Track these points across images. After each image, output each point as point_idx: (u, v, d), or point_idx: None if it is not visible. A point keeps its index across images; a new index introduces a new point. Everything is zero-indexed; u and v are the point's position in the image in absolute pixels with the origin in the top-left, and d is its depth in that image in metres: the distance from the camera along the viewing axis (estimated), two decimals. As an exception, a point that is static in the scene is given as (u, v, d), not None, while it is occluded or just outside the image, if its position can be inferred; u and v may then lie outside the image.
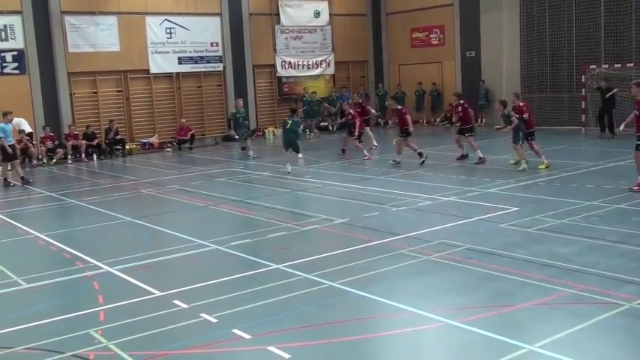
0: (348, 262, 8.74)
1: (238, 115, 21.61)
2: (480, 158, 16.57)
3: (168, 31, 25.23)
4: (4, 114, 17.65)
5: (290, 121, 17.51)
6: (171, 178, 17.55)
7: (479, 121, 27.01)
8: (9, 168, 17.92)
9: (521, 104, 16.04)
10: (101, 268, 9.07)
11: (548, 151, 16.29)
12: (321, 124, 28.44)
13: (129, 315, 7.11)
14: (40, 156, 22.01)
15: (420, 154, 17.05)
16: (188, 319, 6.91)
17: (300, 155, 17.07)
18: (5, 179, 17.44)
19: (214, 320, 6.82)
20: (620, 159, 15.72)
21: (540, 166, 15.09)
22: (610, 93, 20.59)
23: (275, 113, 28.15)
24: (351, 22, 30.33)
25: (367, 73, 31.14)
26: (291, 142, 17.36)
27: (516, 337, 6.01)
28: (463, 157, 17.29)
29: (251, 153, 20.80)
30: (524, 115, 15.51)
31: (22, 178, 17.47)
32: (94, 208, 13.69)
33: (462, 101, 17.67)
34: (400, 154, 17.39)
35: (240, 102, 22.45)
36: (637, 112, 12.44)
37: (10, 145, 17.37)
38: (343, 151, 19.86)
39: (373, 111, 24.85)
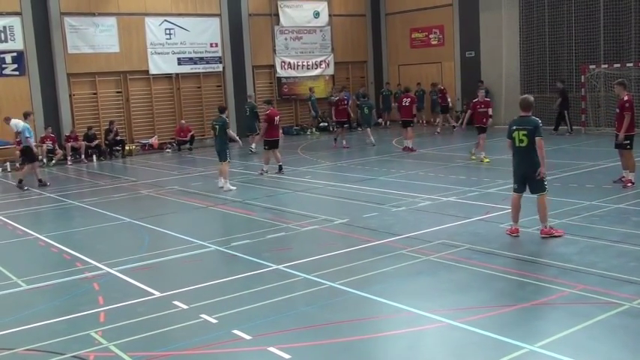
0: (348, 262, 8.74)
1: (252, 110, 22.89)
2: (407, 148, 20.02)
3: (167, 32, 25.24)
4: (26, 115, 17.74)
5: (218, 126, 15.31)
6: (171, 178, 17.55)
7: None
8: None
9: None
10: (101, 269, 9.07)
11: (549, 152, 16.22)
12: (321, 124, 28.48)
13: (129, 316, 7.11)
14: (39, 157, 22.01)
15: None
16: (188, 319, 6.91)
17: (226, 163, 15.07)
18: (20, 180, 17.00)
19: (214, 321, 6.82)
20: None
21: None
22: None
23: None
24: (351, 22, 30.35)
25: (367, 73, 31.15)
26: (220, 151, 15.22)
27: (517, 337, 6.01)
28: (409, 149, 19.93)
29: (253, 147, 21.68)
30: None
31: (40, 180, 17.32)
32: (94, 209, 13.69)
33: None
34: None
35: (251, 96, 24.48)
36: (617, 110, 12.97)
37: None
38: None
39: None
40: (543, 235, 9.37)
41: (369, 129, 22.37)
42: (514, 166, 9.61)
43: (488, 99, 18.00)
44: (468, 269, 8.18)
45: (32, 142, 17.50)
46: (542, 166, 9.28)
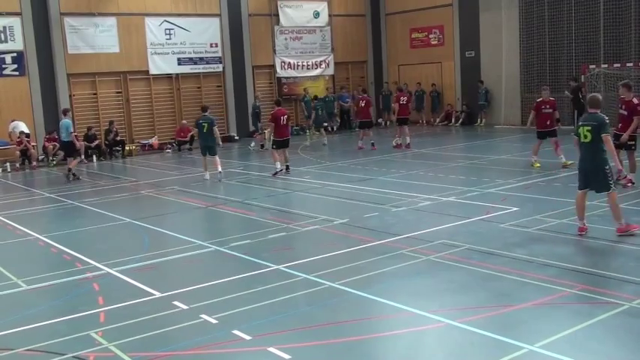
0: (348, 262, 8.74)
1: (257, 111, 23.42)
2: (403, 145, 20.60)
3: (167, 32, 25.23)
4: (65, 111, 18.62)
5: (206, 124, 16.66)
6: (171, 179, 17.55)
7: (478, 121, 27.13)
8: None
9: None
10: (101, 269, 9.07)
11: (549, 151, 16.29)
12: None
13: (129, 316, 7.11)
14: (41, 157, 22.03)
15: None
16: (188, 320, 6.92)
17: (217, 159, 16.66)
18: (74, 174, 18.09)
19: (214, 321, 6.82)
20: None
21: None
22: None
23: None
24: (351, 22, 30.34)
25: (367, 73, 31.14)
26: (211, 146, 16.72)
27: (517, 337, 6.01)
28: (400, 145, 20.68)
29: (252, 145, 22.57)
30: None
31: (67, 174, 18.16)
32: (94, 209, 13.69)
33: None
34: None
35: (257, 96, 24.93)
36: (624, 112, 12.85)
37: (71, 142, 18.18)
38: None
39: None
40: (620, 234, 9.22)
41: (322, 129, 23.84)
42: (578, 162, 9.64)
43: (553, 98, 16.09)
44: (468, 269, 8.18)
45: (73, 137, 18.30)
46: (614, 161, 9.41)
